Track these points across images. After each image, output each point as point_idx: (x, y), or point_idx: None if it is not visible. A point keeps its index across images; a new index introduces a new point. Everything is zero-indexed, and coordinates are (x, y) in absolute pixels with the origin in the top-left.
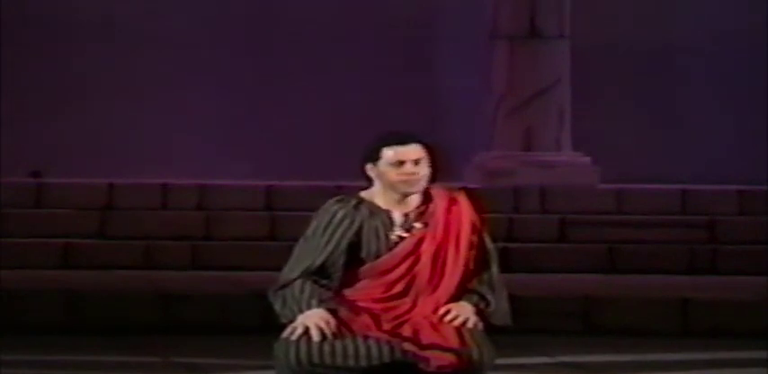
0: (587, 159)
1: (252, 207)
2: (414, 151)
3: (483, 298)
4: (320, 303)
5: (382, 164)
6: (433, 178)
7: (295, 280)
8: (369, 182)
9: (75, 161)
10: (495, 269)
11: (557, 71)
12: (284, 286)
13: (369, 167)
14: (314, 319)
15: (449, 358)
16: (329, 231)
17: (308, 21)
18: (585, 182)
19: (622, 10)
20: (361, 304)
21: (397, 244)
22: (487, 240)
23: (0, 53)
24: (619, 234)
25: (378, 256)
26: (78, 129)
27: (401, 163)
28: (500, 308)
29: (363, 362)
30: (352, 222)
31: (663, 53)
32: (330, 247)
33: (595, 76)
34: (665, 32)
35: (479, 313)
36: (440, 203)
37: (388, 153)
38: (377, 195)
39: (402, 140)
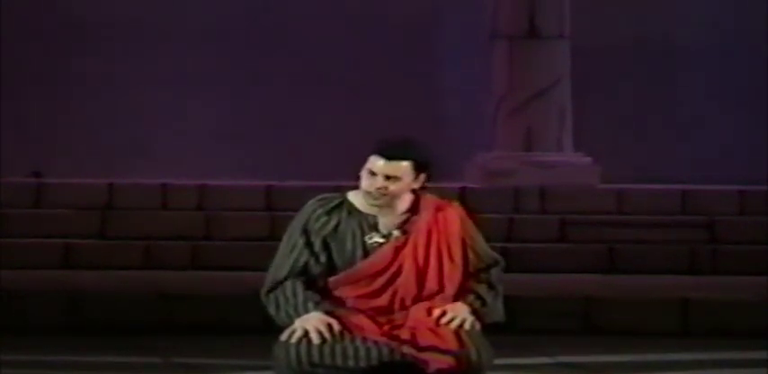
0: (588, 159)
1: (252, 207)
2: (391, 168)
3: (479, 296)
4: (316, 306)
5: (364, 168)
6: (423, 187)
7: (283, 281)
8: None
9: (75, 161)
10: (496, 270)
11: (557, 71)
12: (274, 287)
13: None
14: (313, 322)
15: (447, 360)
16: (306, 230)
17: (309, 21)
18: (586, 182)
19: (622, 10)
20: (353, 307)
21: (372, 249)
22: (483, 244)
23: (0, 53)
24: (619, 234)
25: (352, 259)
26: (78, 129)
27: (373, 173)
28: (495, 306)
29: (363, 363)
30: (327, 221)
31: (663, 53)
32: (309, 246)
33: (595, 76)
34: (665, 32)
35: (475, 312)
36: (425, 213)
37: (371, 160)
38: (362, 197)
39: (390, 154)
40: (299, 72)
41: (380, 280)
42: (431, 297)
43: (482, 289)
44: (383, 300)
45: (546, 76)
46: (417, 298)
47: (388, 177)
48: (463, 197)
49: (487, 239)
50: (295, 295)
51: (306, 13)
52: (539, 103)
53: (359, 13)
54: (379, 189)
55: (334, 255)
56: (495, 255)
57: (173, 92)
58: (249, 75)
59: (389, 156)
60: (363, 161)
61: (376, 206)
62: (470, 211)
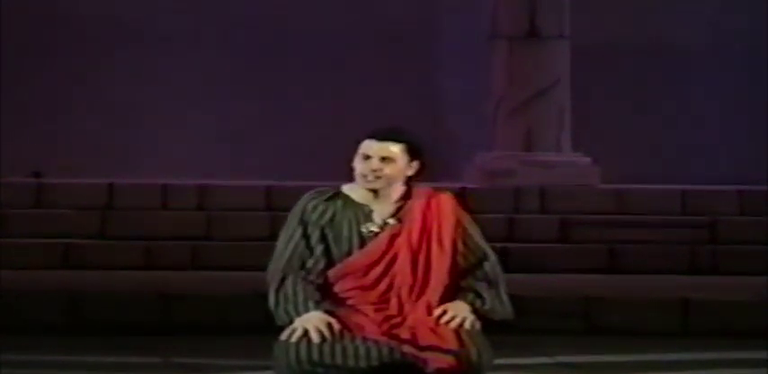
0: (587, 159)
1: (252, 207)
2: (383, 149)
3: (479, 295)
4: (316, 305)
5: (357, 154)
6: (419, 173)
7: (285, 277)
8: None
9: (75, 161)
10: (489, 264)
11: (557, 71)
12: (280, 285)
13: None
14: (313, 322)
15: (447, 360)
16: (303, 221)
17: (308, 21)
18: (585, 182)
19: (622, 10)
20: (352, 305)
21: (369, 238)
22: (477, 237)
23: (0, 53)
24: (619, 234)
25: (349, 250)
26: (78, 129)
27: (367, 157)
28: (499, 303)
29: (363, 363)
30: (324, 212)
31: (663, 53)
32: (305, 237)
33: (595, 76)
34: (665, 32)
35: (476, 311)
36: (418, 200)
37: (363, 144)
38: (357, 188)
39: (382, 136)
40: (298, 72)
41: (377, 270)
42: (423, 285)
43: (481, 286)
44: (380, 291)
45: (546, 76)
46: (413, 287)
47: (383, 159)
48: (463, 197)
49: (488, 239)
50: (295, 293)
51: (305, 13)
52: (538, 103)
53: (359, 12)
54: (374, 171)
55: (332, 246)
56: (486, 249)
57: (173, 92)
58: (249, 76)
59: (383, 138)
60: None
61: (371, 190)
62: (464, 202)
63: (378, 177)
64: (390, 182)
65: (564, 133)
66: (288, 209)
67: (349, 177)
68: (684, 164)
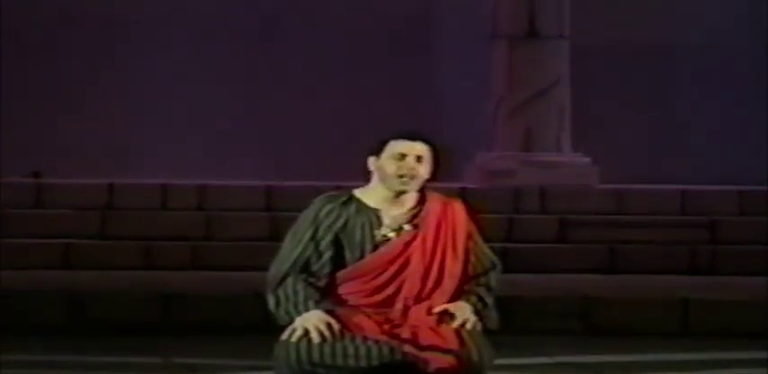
0: (587, 159)
1: (252, 207)
2: (419, 148)
3: (480, 299)
4: (316, 304)
5: (384, 156)
6: (433, 178)
7: (285, 277)
8: (369, 179)
9: (75, 161)
10: (494, 273)
11: (557, 71)
12: (278, 284)
13: (371, 160)
14: (313, 321)
15: (448, 360)
16: (314, 225)
17: (308, 20)
18: (585, 182)
19: (622, 10)
20: (353, 305)
21: (382, 243)
22: (484, 247)
23: (0, 53)
24: (619, 234)
25: (362, 254)
26: (78, 129)
27: (403, 156)
28: (491, 311)
29: (363, 363)
30: (338, 217)
31: (662, 53)
32: (314, 241)
33: (595, 76)
34: (665, 32)
35: (477, 313)
36: (434, 207)
37: (393, 145)
38: (371, 192)
39: (411, 136)
40: (298, 72)
41: (387, 274)
42: (432, 291)
43: (482, 291)
44: (386, 294)
45: (545, 76)
46: (420, 292)
47: (418, 158)
48: (463, 197)
49: (487, 239)
50: (296, 293)
51: (305, 13)
52: (538, 103)
53: (358, 12)
54: (411, 169)
55: (346, 251)
56: (494, 259)
57: (173, 92)
58: (249, 76)
59: (415, 138)
60: (363, 161)
61: (397, 193)
62: (474, 210)
63: (413, 177)
64: (419, 184)
65: (564, 133)
66: (288, 209)
67: (349, 176)
68: (684, 164)
